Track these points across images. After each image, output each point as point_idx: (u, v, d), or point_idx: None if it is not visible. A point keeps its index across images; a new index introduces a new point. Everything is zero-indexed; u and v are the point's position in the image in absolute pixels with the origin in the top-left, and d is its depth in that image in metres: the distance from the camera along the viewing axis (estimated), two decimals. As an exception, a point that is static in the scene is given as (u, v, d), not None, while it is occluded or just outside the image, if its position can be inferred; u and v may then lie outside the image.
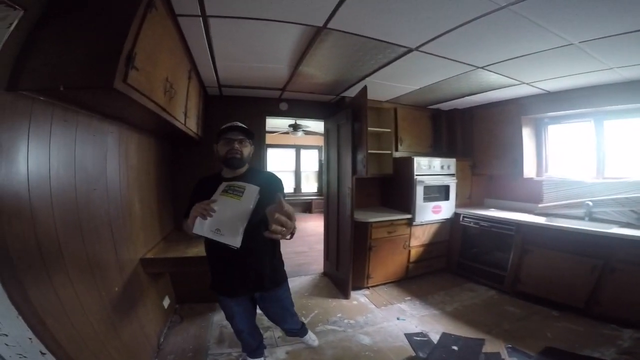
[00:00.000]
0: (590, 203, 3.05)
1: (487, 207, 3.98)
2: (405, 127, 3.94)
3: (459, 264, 3.85)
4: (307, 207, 8.85)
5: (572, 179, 3.33)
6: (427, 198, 3.66)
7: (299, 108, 3.83)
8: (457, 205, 3.91)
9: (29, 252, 1.18)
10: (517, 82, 2.95)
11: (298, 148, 8.91)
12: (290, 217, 1.15)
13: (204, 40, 2.01)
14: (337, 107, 3.73)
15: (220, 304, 1.86)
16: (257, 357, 2.07)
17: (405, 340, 2.42)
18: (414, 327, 2.63)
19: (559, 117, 3.45)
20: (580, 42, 2.01)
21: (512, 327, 2.58)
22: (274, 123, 5.92)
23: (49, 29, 1.15)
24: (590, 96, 2.94)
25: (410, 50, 2.24)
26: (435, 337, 2.45)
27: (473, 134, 4.10)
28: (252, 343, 2.01)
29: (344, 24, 1.82)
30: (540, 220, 3.17)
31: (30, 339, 1.15)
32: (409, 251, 3.62)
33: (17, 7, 1.05)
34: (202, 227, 1.36)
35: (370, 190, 4.11)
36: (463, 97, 3.58)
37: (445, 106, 4.10)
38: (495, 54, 2.29)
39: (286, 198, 1.27)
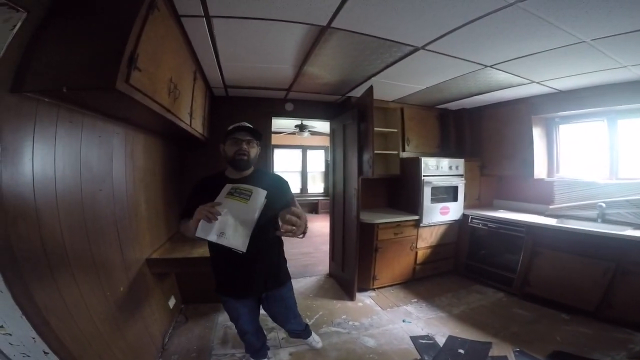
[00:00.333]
0: (603, 204, 2.96)
1: (497, 208, 3.90)
2: (412, 127, 3.89)
3: (466, 266, 3.79)
4: (313, 208, 8.84)
5: (584, 179, 3.24)
6: (435, 199, 3.61)
7: (305, 108, 3.82)
8: (466, 207, 3.85)
9: (34, 252, 1.20)
10: (527, 81, 2.89)
11: (304, 148, 8.91)
12: (300, 217, 1.27)
13: (208, 40, 2.01)
14: (343, 108, 3.71)
15: (224, 305, 1.83)
16: (260, 358, 2.07)
17: (411, 343, 2.39)
18: (420, 329, 2.59)
19: (571, 117, 3.36)
20: (592, 40, 1.95)
21: (520, 330, 2.52)
22: (280, 124, 5.92)
23: (52, 31, 1.16)
24: (603, 95, 2.86)
25: (416, 49, 2.20)
26: (441, 340, 2.41)
27: (482, 134, 4.03)
28: (256, 344, 2.00)
29: (348, 23, 1.80)
30: (551, 221, 3.11)
31: (33, 338, 1.16)
32: (416, 253, 3.58)
33: (20, 9, 1.06)
34: (206, 230, 1.34)
35: (376, 191, 4.07)
36: (471, 96, 3.52)
37: (453, 106, 4.03)
38: (503, 53, 2.24)
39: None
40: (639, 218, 2.74)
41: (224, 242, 1.35)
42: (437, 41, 2.05)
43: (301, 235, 1.31)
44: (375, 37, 2.00)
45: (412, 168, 3.65)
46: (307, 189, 9.07)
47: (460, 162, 3.78)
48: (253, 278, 1.65)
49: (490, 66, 2.51)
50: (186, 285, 2.93)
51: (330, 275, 3.91)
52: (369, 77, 2.86)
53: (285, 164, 8.70)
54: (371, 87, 2.85)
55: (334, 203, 3.83)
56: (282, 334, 2.45)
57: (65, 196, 1.40)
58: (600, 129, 3.19)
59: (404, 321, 2.73)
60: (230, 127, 1.66)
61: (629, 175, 2.98)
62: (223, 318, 2.72)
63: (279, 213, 1.26)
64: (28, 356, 1.19)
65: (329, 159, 4.54)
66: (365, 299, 3.19)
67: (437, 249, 3.73)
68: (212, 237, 1.34)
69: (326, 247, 4.09)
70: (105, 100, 1.38)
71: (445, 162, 3.68)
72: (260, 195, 1.42)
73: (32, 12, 1.11)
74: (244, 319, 1.83)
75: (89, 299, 1.48)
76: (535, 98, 3.36)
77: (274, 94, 3.48)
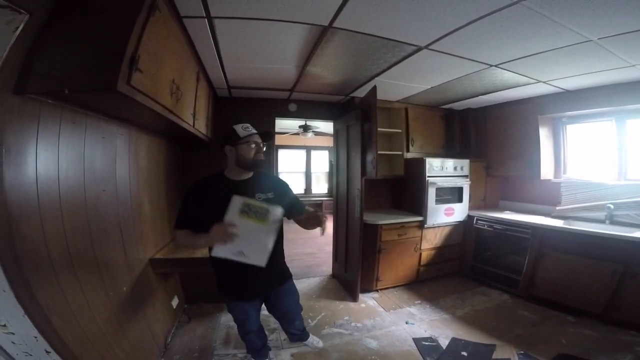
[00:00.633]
0: (612, 206, 2.91)
1: (502, 209, 3.85)
2: (416, 127, 3.86)
3: (471, 268, 3.75)
4: (317, 209, 8.84)
5: (592, 180, 3.19)
6: (440, 200, 3.57)
7: (308, 109, 3.82)
8: (471, 208, 3.81)
9: (37, 252, 1.21)
10: (533, 81, 2.85)
11: (308, 149, 8.91)
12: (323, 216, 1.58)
13: (210, 41, 2.02)
14: (347, 108, 3.70)
15: (232, 309, 1.83)
16: (262, 358, 2.07)
17: (413, 345, 2.37)
18: (423, 331, 2.57)
19: (578, 117, 3.31)
20: (599, 39, 1.91)
21: (525, 333, 2.49)
22: (284, 124, 5.93)
23: (54, 33, 1.17)
24: (612, 94, 2.81)
25: (419, 49, 2.18)
26: (444, 342, 2.38)
27: (487, 134, 3.98)
28: (258, 343, 2.02)
29: (350, 22, 1.79)
30: (558, 223, 3.06)
31: (35, 337, 1.18)
32: (420, 254, 3.55)
33: (22, 11, 1.07)
34: (223, 249, 1.37)
35: (380, 192, 4.05)
36: (476, 96, 3.48)
37: (458, 106, 3.99)
38: (508, 52, 2.21)
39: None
40: (649, 220, 2.68)
41: (243, 259, 1.39)
42: (440, 40, 2.03)
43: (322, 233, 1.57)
44: (377, 36, 1.98)
45: (416, 169, 3.62)
46: (311, 190, 9.07)
47: (465, 162, 3.74)
48: (266, 278, 1.70)
49: (495, 65, 2.48)
50: (190, 285, 2.95)
51: (334, 276, 3.90)
52: (373, 77, 2.84)
53: (290, 164, 8.70)
54: (374, 87, 2.83)
55: (338, 204, 3.82)
56: (284, 335, 2.43)
57: (69, 197, 1.42)
58: (609, 129, 3.13)
59: (407, 323, 2.71)
60: (246, 131, 1.61)
61: (638, 176, 2.92)
62: (226, 318, 2.72)
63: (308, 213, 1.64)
64: (30, 355, 1.20)
65: (332, 160, 4.53)
66: (368, 300, 3.17)
67: (442, 251, 3.69)
68: (229, 256, 1.38)
69: (330, 248, 4.08)
70: (107, 101, 1.38)
71: (450, 163, 3.64)
72: (278, 214, 1.45)
73: (34, 14, 1.12)
74: (252, 319, 1.85)
75: (91, 298, 1.49)
76: (542, 98, 3.31)
77: (277, 95, 3.48)
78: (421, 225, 3.50)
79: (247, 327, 1.88)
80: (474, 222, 3.69)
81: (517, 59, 2.31)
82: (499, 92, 3.28)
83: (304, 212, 1.74)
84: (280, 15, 1.69)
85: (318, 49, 2.16)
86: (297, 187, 8.63)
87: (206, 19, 1.73)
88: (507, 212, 3.68)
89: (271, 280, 1.76)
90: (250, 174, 1.69)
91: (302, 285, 3.55)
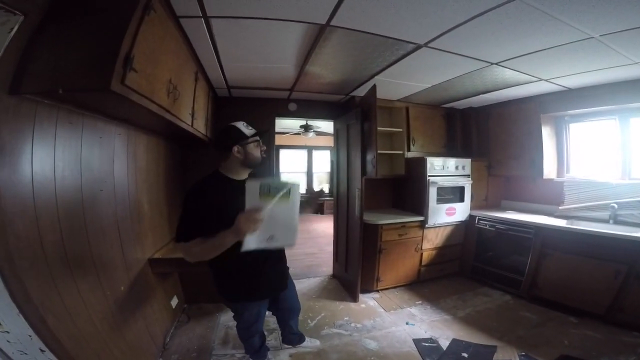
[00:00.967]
0: (616, 205, 2.87)
1: (504, 209, 3.82)
2: (417, 126, 3.84)
3: (473, 268, 3.71)
4: (318, 208, 8.81)
5: (595, 180, 3.14)
6: (441, 200, 3.55)
7: (308, 108, 3.81)
8: (473, 207, 3.77)
9: (32, 251, 1.21)
10: (534, 79, 2.81)
11: (310, 149, 8.91)
12: None
13: (207, 41, 2.01)
14: (347, 107, 3.69)
15: (243, 311, 1.73)
16: (260, 359, 2.06)
17: (413, 346, 2.35)
18: (423, 332, 2.55)
19: (581, 115, 3.27)
20: (600, 36, 1.88)
21: (526, 334, 2.46)
22: (285, 124, 5.93)
23: (49, 33, 1.18)
24: (615, 92, 2.77)
25: (419, 47, 2.17)
26: (445, 343, 2.36)
27: (489, 133, 3.95)
28: (258, 344, 2.00)
29: (347, 20, 1.77)
30: (561, 223, 3.02)
31: (30, 336, 1.18)
32: (421, 254, 3.53)
33: (17, 12, 1.08)
34: (252, 242, 1.29)
35: (381, 192, 4.03)
36: (478, 94, 3.45)
37: (459, 104, 3.96)
38: (509, 49, 2.18)
39: None
40: (653, 220, 2.64)
41: (275, 244, 1.36)
42: (439, 38, 2.01)
43: None
44: (375, 34, 1.96)
45: (417, 168, 3.60)
46: (312, 190, 9.06)
47: (467, 162, 3.71)
48: (281, 272, 1.75)
49: (496, 63, 2.45)
50: (190, 285, 2.95)
51: (334, 276, 3.89)
52: (372, 76, 2.82)
53: (291, 164, 8.70)
54: (374, 86, 2.81)
55: (338, 204, 3.81)
56: (283, 335, 2.44)
57: (65, 196, 1.42)
58: (612, 128, 3.08)
59: (407, 323, 2.69)
60: (248, 130, 1.59)
61: (642, 176, 2.88)
62: (225, 318, 2.73)
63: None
64: (25, 354, 1.21)
65: (333, 159, 4.52)
66: (368, 301, 3.16)
67: (443, 251, 3.67)
68: (262, 245, 1.32)
69: (330, 248, 4.07)
70: (102, 101, 1.39)
71: (451, 162, 3.61)
72: (298, 188, 1.37)
73: (29, 15, 1.13)
74: (261, 321, 1.83)
75: (87, 298, 1.49)
76: (544, 96, 3.28)
77: (277, 94, 3.48)
78: (422, 225, 3.48)
79: (255, 329, 1.84)
80: (476, 222, 3.66)
81: (518, 56, 2.28)
82: (500, 91, 3.25)
83: None
84: (277, 14, 1.68)
85: (316, 47, 2.15)
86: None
87: (203, 19, 1.72)
88: (510, 211, 3.64)
89: (284, 274, 1.79)
90: (248, 173, 1.68)
91: (303, 285, 3.55)
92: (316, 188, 9.08)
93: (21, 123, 1.19)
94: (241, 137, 1.55)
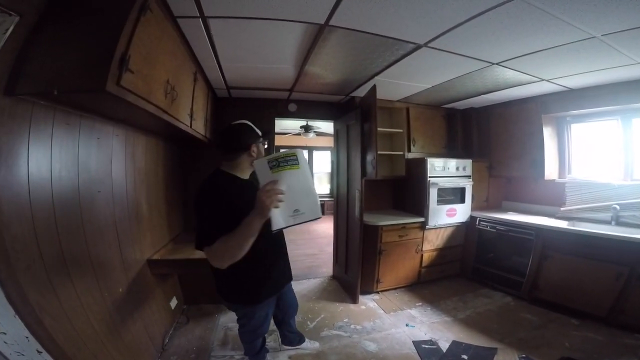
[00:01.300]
0: (618, 206, 2.85)
1: (505, 210, 3.80)
2: (418, 127, 3.83)
3: (474, 269, 3.69)
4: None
5: (597, 180, 3.12)
6: (441, 201, 3.53)
7: (308, 109, 3.80)
8: (473, 208, 3.75)
9: (28, 252, 1.21)
10: (536, 79, 2.79)
11: (310, 149, 8.90)
12: None
13: (206, 41, 2.01)
14: (347, 107, 3.67)
15: (252, 314, 1.67)
16: (259, 360, 2.05)
17: (413, 348, 2.33)
18: (423, 334, 2.54)
19: (583, 116, 3.24)
20: (602, 35, 1.86)
21: (527, 336, 2.44)
22: (285, 125, 5.92)
23: (44, 34, 1.17)
24: (617, 93, 2.74)
25: (419, 47, 2.15)
26: (445, 345, 2.35)
27: (490, 133, 3.92)
28: (258, 344, 1.97)
29: (346, 20, 1.76)
30: (562, 224, 3.00)
31: (27, 337, 1.17)
32: (422, 255, 3.51)
33: (12, 13, 1.07)
34: (280, 219, 1.24)
35: (381, 193, 4.02)
36: (479, 95, 3.43)
37: (460, 105, 3.94)
38: (510, 49, 2.17)
39: None
40: (656, 221, 2.62)
41: (302, 219, 1.27)
42: (439, 38, 1.99)
43: None
44: (375, 34, 1.95)
45: (417, 169, 3.58)
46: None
47: (467, 162, 3.69)
48: (285, 268, 1.74)
49: (497, 63, 2.44)
50: (189, 286, 2.94)
51: (334, 277, 3.87)
52: (372, 76, 2.81)
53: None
54: (374, 87, 2.80)
55: (338, 204, 3.80)
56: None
57: (62, 197, 1.42)
58: (614, 128, 3.06)
59: (407, 325, 2.68)
60: (257, 129, 1.60)
61: (645, 177, 2.85)
62: (225, 319, 2.72)
63: None
64: (23, 355, 1.20)
65: (334, 160, 4.51)
66: (368, 302, 3.14)
67: (444, 252, 3.65)
68: (291, 222, 1.26)
69: (331, 249, 4.05)
70: (99, 102, 1.38)
71: (452, 163, 3.59)
72: (304, 154, 1.32)
73: (24, 16, 1.12)
74: (267, 322, 1.80)
75: (85, 299, 1.49)
76: (546, 96, 3.25)
77: (276, 95, 3.47)
78: (422, 226, 3.46)
79: (261, 331, 1.81)
80: (477, 223, 3.64)
81: (519, 56, 2.27)
82: (501, 91, 3.23)
83: None
84: (275, 13, 1.68)
85: (316, 47, 2.14)
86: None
87: (200, 19, 1.72)
88: (511, 213, 3.62)
89: (287, 270, 1.78)
90: (250, 172, 1.66)
91: (302, 286, 3.54)
92: (317, 188, 9.06)
93: (17, 124, 1.18)
94: (257, 136, 1.58)
